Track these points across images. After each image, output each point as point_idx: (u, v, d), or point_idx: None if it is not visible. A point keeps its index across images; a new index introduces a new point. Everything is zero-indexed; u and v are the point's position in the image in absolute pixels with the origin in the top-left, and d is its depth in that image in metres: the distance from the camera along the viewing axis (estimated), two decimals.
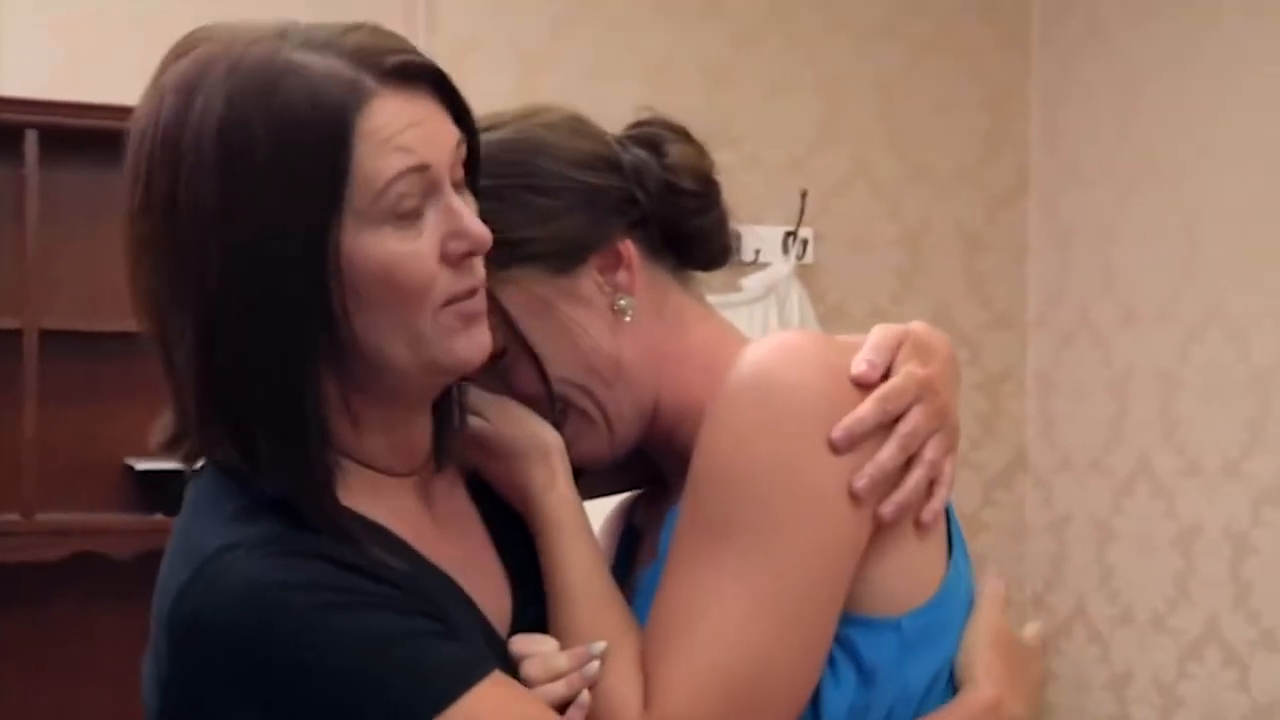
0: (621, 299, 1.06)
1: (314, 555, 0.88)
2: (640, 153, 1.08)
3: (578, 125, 1.09)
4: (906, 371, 0.98)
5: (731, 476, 0.94)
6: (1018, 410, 3.81)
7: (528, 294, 1.05)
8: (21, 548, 2.87)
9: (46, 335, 2.91)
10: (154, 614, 0.92)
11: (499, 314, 1.03)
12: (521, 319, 1.05)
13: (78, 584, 3.01)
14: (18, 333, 2.89)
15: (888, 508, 0.96)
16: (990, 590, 1.04)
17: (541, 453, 1.03)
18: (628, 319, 1.06)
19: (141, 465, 2.97)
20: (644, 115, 1.12)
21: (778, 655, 0.93)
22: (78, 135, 2.93)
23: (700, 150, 1.11)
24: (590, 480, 1.10)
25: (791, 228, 3.54)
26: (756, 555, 0.93)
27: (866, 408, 0.95)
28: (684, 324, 1.08)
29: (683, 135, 1.11)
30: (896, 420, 0.97)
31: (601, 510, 1.18)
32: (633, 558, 1.14)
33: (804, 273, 3.57)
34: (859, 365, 0.97)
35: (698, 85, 3.52)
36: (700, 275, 1.13)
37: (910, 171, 3.71)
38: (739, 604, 0.93)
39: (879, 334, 1.00)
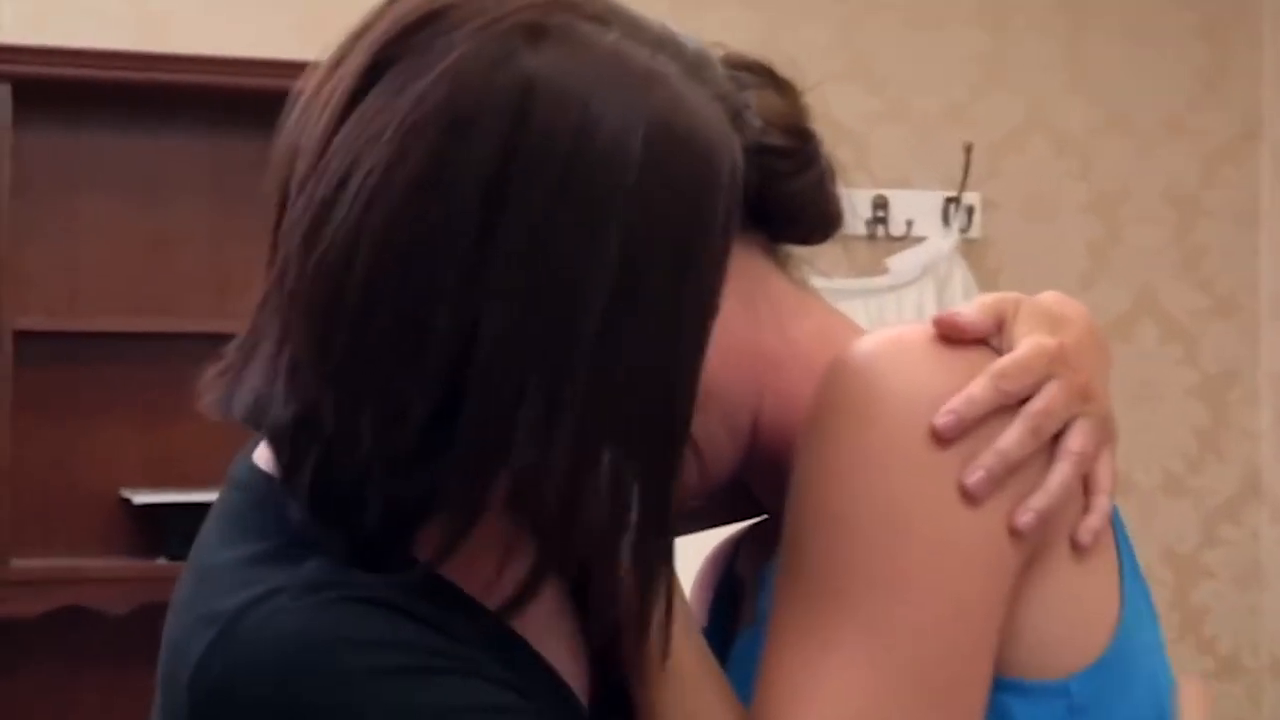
0: None
1: (380, 603, 0.85)
2: None
3: None
4: (1031, 342, 0.93)
5: (836, 522, 0.91)
6: (1248, 421, 3.70)
7: None
8: None
9: (21, 338, 2.83)
10: (165, 679, 0.88)
11: None
12: None
13: (62, 645, 2.95)
14: None
15: (1025, 516, 0.90)
16: (1191, 699, 0.98)
17: None
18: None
19: (140, 498, 2.87)
20: (716, 55, 1.09)
21: None
22: (56, 89, 2.86)
23: (791, 94, 1.06)
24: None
25: (953, 193, 3.46)
26: (879, 620, 0.89)
27: (978, 384, 0.91)
28: (783, 319, 1.06)
29: (767, 76, 1.06)
30: (1023, 404, 0.93)
31: (698, 548, 1.16)
32: (734, 614, 1.12)
33: (969, 249, 3.48)
34: (943, 315, 0.95)
35: (827, 14, 3.43)
36: (821, 253, 1.12)
37: (1103, 120, 3.62)
38: (864, 683, 0.89)
39: (985, 297, 0.98)
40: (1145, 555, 3.70)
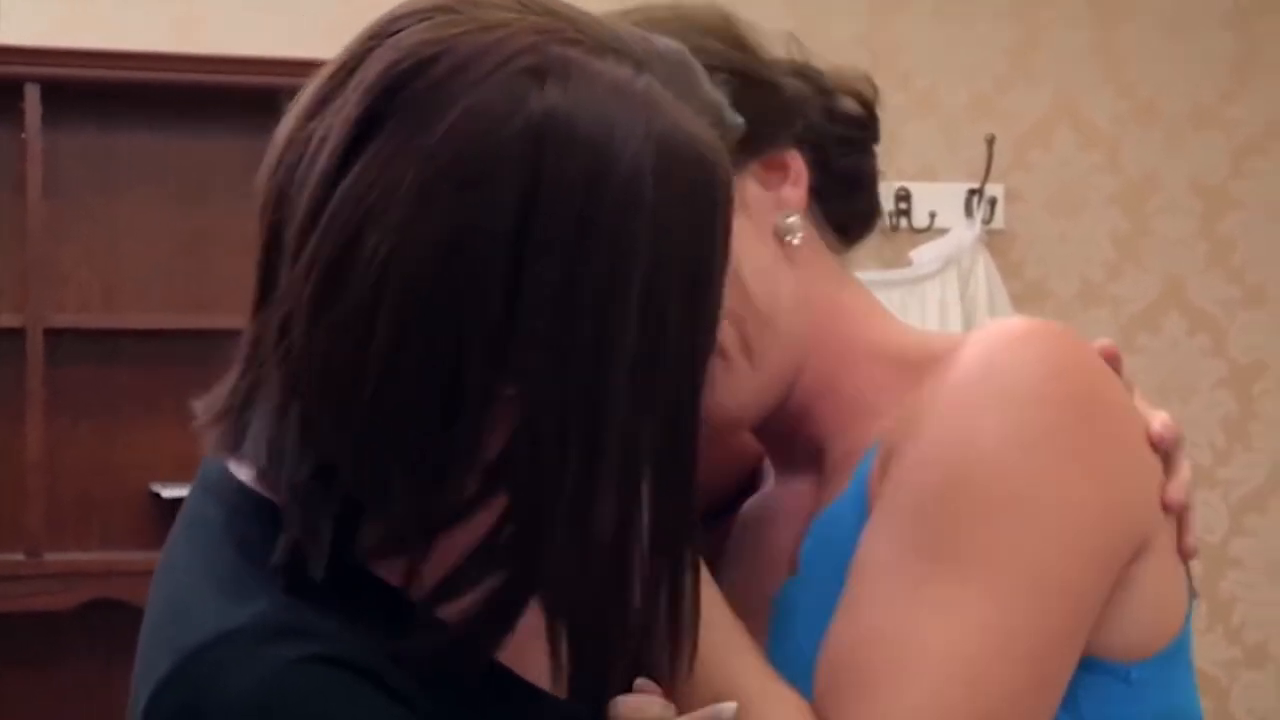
0: (788, 215, 1.05)
1: (340, 664, 0.80)
2: (791, 80, 1.08)
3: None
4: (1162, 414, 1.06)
5: (972, 492, 0.94)
6: (1276, 412, 3.70)
7: None
8: (27, 594, 2.84)
9: (53, 335, 2.88)
10: (135, 689, 0.86)
11: None
12: None
13: (95, 637, 2.98)
14: (19, 332, 2.85)
15: (1191, 539, 1.02)
16: None
17: None
18: (795, 241, 1.05)
19: (170, 492, 2.91)
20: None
21: (1013, 707, 0.92)
22: (87, 89, 2.91)
23: (860, 74, 1.11)
24: None
25: (976, 184, 3.47)
26: (999, 591, 0.93)
27: (1169, 421, 1.02)
28: (838, 278, 1.08)
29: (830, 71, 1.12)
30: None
31: None
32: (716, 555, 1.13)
33: (993, 241, 3.50)
34: (1158, 425, 1.03)
35: (854, 6, 3.47)
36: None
37: (1131, 111, 3.63)
38: (974, 649, 0.92)
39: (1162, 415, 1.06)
40: None
